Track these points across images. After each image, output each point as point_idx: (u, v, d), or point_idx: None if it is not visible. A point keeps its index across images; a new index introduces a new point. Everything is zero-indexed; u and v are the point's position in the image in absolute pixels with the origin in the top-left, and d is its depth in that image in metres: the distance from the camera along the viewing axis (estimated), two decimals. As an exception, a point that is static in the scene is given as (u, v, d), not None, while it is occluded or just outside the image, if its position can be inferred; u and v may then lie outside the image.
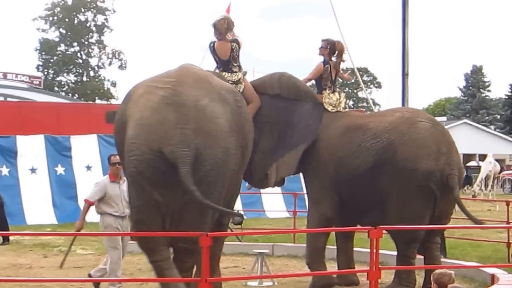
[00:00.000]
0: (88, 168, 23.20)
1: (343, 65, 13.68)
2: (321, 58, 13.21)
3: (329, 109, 12.92)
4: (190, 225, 9.64)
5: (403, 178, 11.63)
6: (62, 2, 75.47)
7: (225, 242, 16.97)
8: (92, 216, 21.67)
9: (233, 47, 11.88)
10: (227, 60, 11.93)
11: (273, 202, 25.01)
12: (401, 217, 11.59)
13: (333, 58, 13.22)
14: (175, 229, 9.74)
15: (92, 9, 76.76)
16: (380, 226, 9.92)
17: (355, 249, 13.50)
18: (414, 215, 11.62)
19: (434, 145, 11.78)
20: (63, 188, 23.46)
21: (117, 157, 11.60)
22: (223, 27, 11.84)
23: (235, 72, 11.97)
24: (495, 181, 42.09)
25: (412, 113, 12.44)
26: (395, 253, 14.23)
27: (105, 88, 77.78)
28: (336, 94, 13.11)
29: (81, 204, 22.68)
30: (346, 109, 13.66)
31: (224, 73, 11.87)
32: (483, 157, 39.85)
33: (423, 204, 11.64)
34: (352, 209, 12.37)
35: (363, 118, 13.04)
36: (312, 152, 12.54)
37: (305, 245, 13.41)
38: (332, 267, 14.01)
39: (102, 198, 12.36)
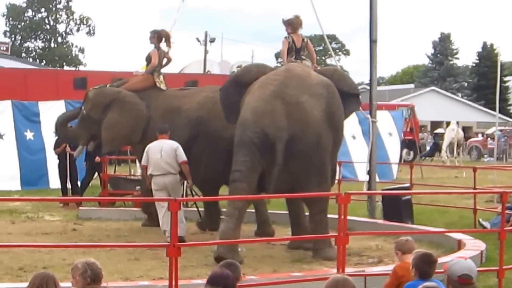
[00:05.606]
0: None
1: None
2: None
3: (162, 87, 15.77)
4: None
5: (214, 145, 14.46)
6: (30, -34, 74.61)
7: (192, 208, 17.12)
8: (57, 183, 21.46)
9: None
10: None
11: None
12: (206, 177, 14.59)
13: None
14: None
15: (59, -25, 75.96)
16: (348, 192, 9.99)
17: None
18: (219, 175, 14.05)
19: None
20: (32, 153, 23.29)
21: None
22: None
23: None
24: (462, 148, 42.35)
25: (214, 92, 14.58)
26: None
27: (73, 55, 77.26)
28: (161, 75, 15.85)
29: (50, 169, 22.69)
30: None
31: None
32: (449, 125, 39.98)
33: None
34: None
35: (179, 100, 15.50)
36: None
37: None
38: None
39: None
